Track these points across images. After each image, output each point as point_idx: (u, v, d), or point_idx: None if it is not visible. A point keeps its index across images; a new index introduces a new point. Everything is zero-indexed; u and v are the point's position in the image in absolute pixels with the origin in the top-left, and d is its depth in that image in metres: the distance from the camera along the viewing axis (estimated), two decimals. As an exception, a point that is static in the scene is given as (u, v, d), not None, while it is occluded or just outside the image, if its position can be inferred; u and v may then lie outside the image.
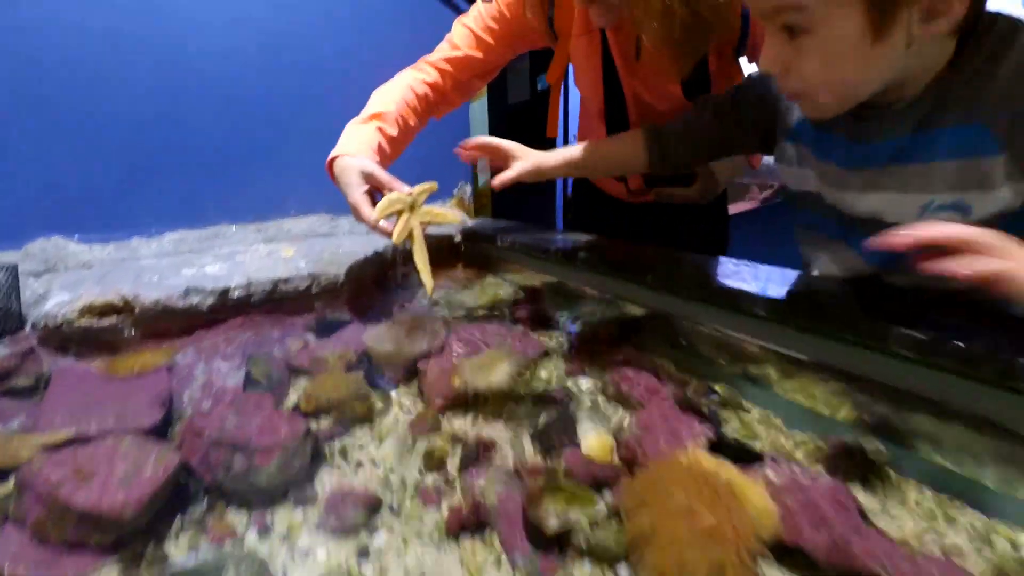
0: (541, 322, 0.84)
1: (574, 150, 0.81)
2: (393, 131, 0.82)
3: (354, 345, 0.77)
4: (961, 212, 0.49)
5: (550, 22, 0.88)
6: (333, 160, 0.74)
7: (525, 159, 0.80)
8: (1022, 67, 0.44)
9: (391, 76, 0.89)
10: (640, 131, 0.77)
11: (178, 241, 1.08)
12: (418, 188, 0.70)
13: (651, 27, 0.67)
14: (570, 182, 1.27)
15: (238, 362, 0.74)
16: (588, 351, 0.74)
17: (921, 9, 0.41)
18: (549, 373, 0.70)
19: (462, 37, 0.90)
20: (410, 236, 0.68)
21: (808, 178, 0.63)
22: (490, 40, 0.89)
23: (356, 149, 0.75)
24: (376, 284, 1.02)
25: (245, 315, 0.85)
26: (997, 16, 0.46)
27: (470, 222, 1.21)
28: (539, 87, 1.89)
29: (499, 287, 0.99)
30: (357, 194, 0.70)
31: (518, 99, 1.91)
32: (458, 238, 1.16)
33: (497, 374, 0.64)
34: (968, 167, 0.48)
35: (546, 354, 0.73)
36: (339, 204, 0.76)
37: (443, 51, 0.91)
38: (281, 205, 1.19)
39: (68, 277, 0.89)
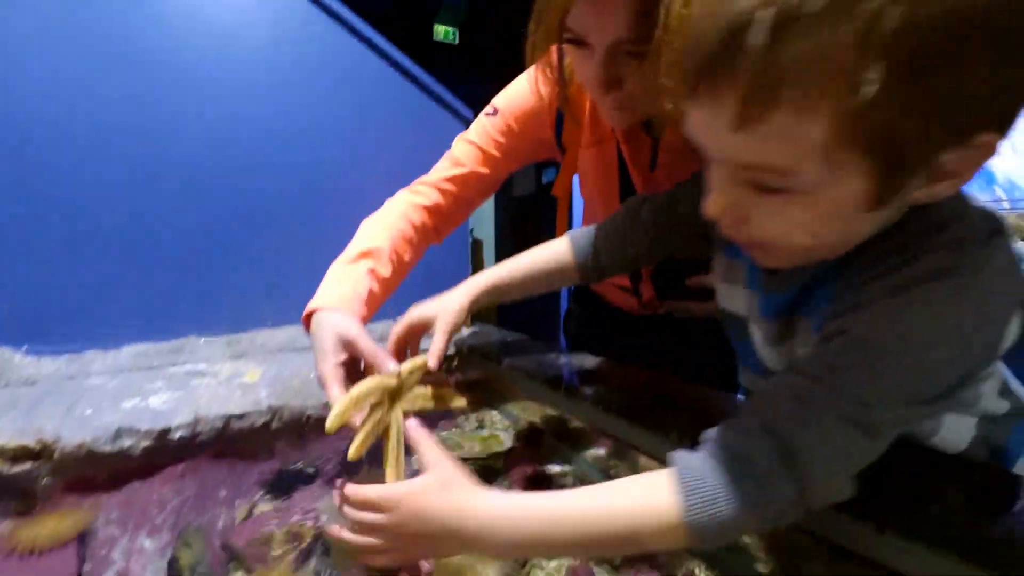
0: (542, 483, 0.69)
1: (499, 272, 0.66)
2: (386, 271, 0.71)
3: (313, 515, 0.62)
4: None
5: (558, 136, 0.82)
6: (311, 313, 0.62)
7: (442, 316, 0.61)
8: (884, 289, 0.36)
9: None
10: (567, 238, 0.66)
11: (137, 355, 0.96)
12: (407, 366, 0.54)
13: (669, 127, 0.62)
14: (569, 291, 1.17)
15: (166, 538, 0.60)
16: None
17: (930, 171, 0.32)
18: (556, 570, 0.54)
19: (466, 154, 0.83)
20: (385, 434, 0.49)
21: (739, 299, 0.52)
22: (497, 154, 0.82)
23: (339, 300, 0.63)
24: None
25: (189, 459, 0.71)
26: (966, 203, 0.37)
27: (467, 331, 1.10)
28: (544, 180, 1.85)
29: (497, 426, 0.85)
30: (328, 367, 0.56)
31: (523, 192, 1.87)
32: (452, 350, 1.03)
33: None
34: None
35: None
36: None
37: (443, 170, 0.83)
38: (257, 315, 1.08)
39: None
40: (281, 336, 1.07)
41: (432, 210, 0.81)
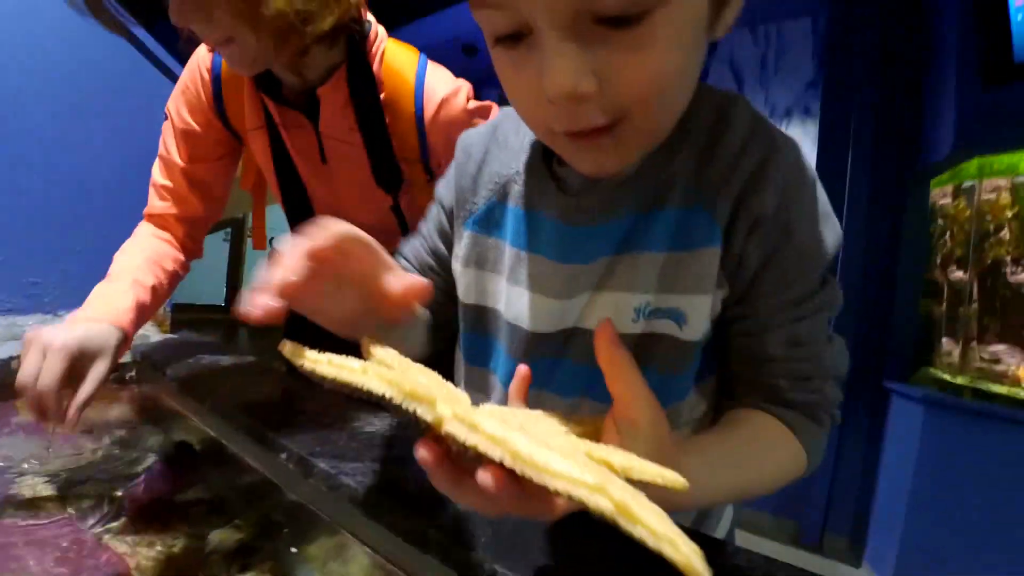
0: (157, 513, 0.56)
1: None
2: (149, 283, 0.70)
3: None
4: (677, 323, 0.40)
5: (224, 120, 0.76)
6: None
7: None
8: (744, 149, 0.38)
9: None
10: None
11: None
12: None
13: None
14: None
15: None
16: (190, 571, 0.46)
17: None
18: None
19: (163, 171, 0.78)
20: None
21: (488, 286, 0.48)
22: (182, 164, 0.77)
23: (104, 313, 0.62)
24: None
25: None
26: (708, 86, 0.40)
27: (156, 337, 0.92)
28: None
29: (142, 441, 0.69)
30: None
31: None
32: (127, 358, 0.84)
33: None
34: (687, 261, 0.39)
35: (118, 582, 0.46)
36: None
37: (154, 197, 0.79)
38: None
39: None
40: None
41: (170, 242, 0.77)
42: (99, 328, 0.60)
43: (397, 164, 0.77)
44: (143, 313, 0.69)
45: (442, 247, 0.54)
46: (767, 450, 0.40)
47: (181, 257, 0.78)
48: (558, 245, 0.43)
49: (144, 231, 0.77)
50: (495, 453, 0.20)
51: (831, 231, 0.40)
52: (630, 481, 0.21)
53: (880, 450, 1.87)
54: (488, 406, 0.29)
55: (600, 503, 0.18)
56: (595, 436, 0.29)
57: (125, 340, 0.63)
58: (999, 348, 1.70)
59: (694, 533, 0.36)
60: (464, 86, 0.76)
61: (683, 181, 0.40)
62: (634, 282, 0.41)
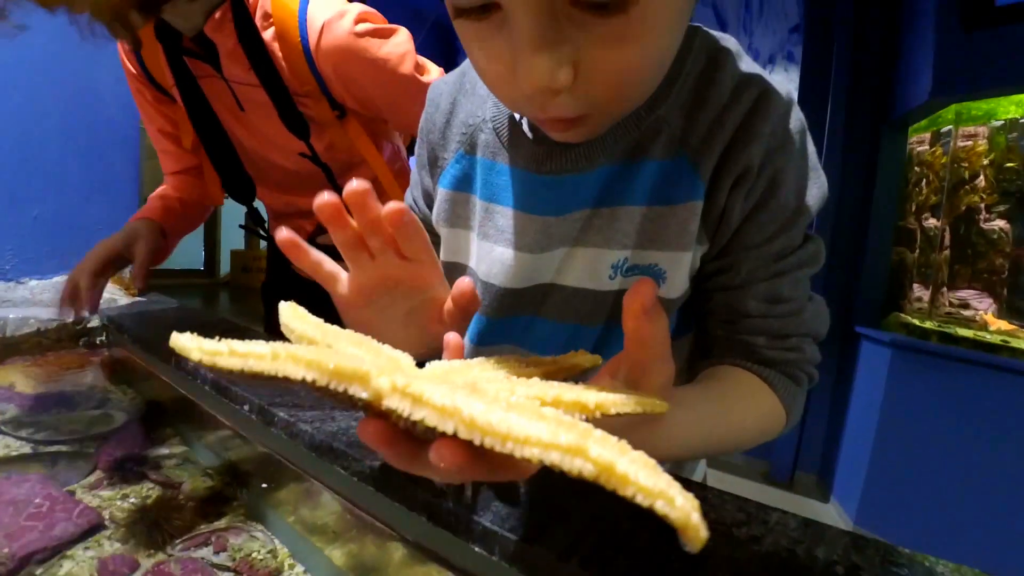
0: (130, 467, 0.57)
1: None
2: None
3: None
4: (656, 280, 0.38)
5: (149, 77, 0.77)
6: None
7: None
8: (732, 100, 0.36)
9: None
10: None
11: None
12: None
13: None
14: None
15: None
16: (160, 526, 0.48)
17: None
18: (78, 568, 0.43)
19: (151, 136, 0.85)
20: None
21: (461, 242, 0.46)
22: (152, 124, 0.83)
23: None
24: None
25: None
26: (701, 29, 0.38)
27: (124, 300, 0.90)
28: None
29: (114, 402, 0.70)
30: None
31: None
32: (95, 322, 0.83)
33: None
34: (667, 216, 0.38)
35: (93, 531, 0.47)
36: None
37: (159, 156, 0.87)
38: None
39: None
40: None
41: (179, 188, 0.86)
42: (126, 228, 0.72)
43: (296, 106, 0.73)
44: (170, 209, 0.80)
45: (429, 213, 0.50)
46: (748, 406, 0.39)
47: (193, 195, 0.86)
48: (528, 196, 0.41)
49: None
50: (447, 426, 0.17)
51: (817, 186, 0.39)
52: (608, 420, 0.20)
53: (849, 392, 1.94)
54: (433, 365, 0.26)
55: (579, 466, 0.16)
56: (559, 375, 0.27)
57: (158, 228, 0.74)
58: (968, 293, 1.75)
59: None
60: (352, 8, 0.70)
61: (667, 131, 0.37)
62: (612, 237, 0.39)
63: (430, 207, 0.49)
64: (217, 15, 0.67)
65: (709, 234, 0.39)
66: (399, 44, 0.71)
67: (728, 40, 0.38)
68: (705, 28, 0.39)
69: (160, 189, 0.85)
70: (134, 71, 0.76)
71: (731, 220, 0.38)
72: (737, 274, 0.39)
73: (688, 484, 0.35)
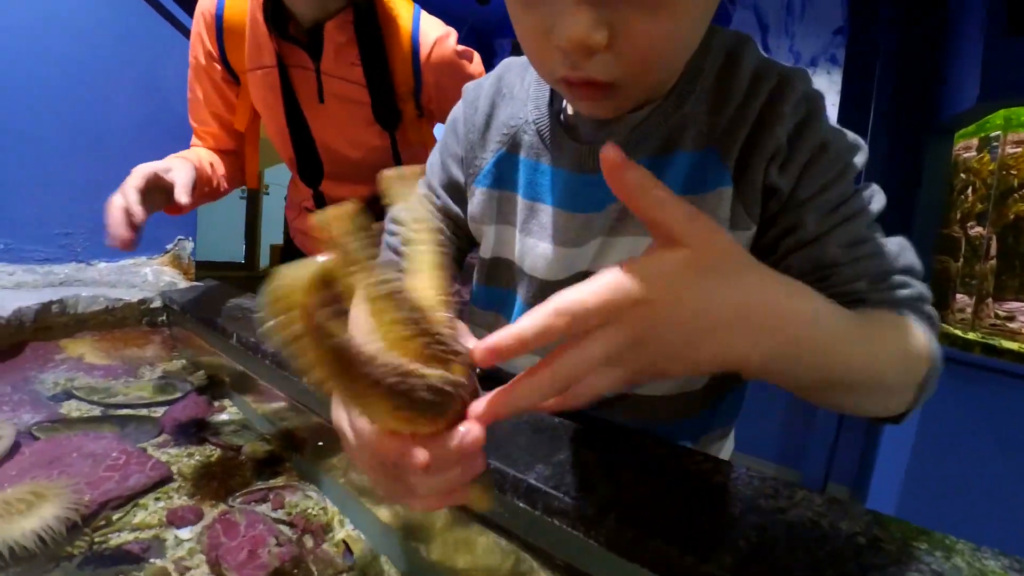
0: (193, 432, 0.62)
1: None
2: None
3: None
4: None
5: (224, 59, 0.81)
6: None
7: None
8: (752, 89, 0.38)
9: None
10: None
11: None
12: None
13: None
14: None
15: None
16: (223, 482, 0.53)
17: None
18: (150, 516, 0.48)
19: (192, 112, 0.88)
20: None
21: (506, 239, 0.48)
22: (204, 101, 0.86)
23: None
24: None
25: None
26: (717, 27, 0.41)
27: (183, 284, 0.97)
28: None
29: (176, 374, 0.75)
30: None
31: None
32: (157, 303, 0.90)
33: (31, 520, 0.41)
34: (698, 203, 0.39)
35: (163, 483, 0.52)
36: None
37: (193, 138, 0.90)
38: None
39: None
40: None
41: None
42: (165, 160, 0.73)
43: (396, 102, 0.82)
44: (202, 163, 0.81)
45: (452, 203, 0.52)
46: (885, 323, 0.34)
47: (221, 170, 0.87)
48: (570, 195, 0.43)
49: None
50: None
51: (852, 139, 0.40)
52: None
53: (886, 403, 1.88)
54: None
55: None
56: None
57: (191, 166, 0.74)
58: (1015, 305, 1.69)
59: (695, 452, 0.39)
60: (453, 31, 0.83)
61: (694, 124, 0.40)
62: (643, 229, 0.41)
63: (451, 196, 0.52)
64: (343, 11, 0.75)
65: (754, 217, 0.40)
66: (477, 65, 0.85)
67: (742, 36, 0.41)
68: (720, 27, 0.42)
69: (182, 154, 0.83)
70: (213, 52, 0.80)
71: (780, 193, 0.39)
72: (804, 229, 0.38)
73: (717, 462, 0.38)
